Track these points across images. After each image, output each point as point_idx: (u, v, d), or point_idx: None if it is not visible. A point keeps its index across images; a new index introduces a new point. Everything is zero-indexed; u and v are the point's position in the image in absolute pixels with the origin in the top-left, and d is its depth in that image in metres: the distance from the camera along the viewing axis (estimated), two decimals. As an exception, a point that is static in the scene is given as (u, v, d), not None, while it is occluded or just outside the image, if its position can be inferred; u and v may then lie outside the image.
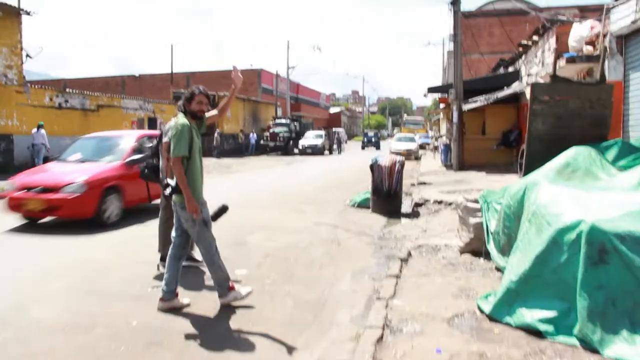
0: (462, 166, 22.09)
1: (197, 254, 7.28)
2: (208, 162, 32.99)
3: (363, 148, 56.84)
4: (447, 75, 49.18)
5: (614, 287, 4.08)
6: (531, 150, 8.35)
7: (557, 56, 9.34)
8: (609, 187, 5.26)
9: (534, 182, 5.35)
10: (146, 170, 7.48)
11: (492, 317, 4.81)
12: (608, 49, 11.85)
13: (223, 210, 7.00)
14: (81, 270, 7.32)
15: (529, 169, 8.40)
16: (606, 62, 11.87)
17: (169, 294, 5.66)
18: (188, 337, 4.98)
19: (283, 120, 47.73)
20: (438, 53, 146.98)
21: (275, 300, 6.08)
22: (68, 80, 61.66)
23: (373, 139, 58.95)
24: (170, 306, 5.65)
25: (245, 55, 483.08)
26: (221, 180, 21.73)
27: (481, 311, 5.00)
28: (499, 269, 6.44)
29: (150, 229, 10.10)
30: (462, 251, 7.58)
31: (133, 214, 11.35)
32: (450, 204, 12.47)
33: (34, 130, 22.64)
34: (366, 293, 6.23)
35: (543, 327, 4.41)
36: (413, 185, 18.35)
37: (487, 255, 7.12)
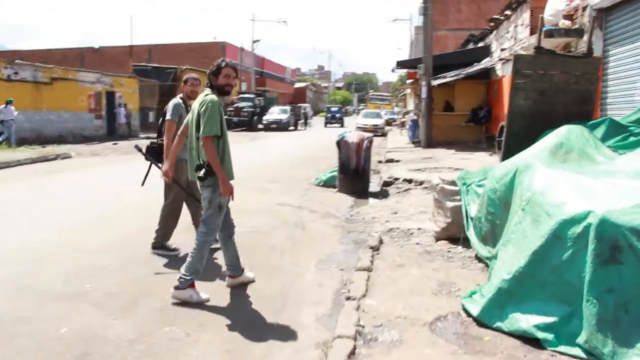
0: (431, 143, 21.54)
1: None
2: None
3: (326, 125, 52.11)
4: (415, 51, 48.58)
5: (627, 290, 3.46)
6: (512, 127, 7.74)
7: (542, 24, 8.70)
8: (612, 172, 4.63)
9: (527, 165, 4.70)
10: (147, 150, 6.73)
11: (481, 322, 4.15)
12: (588, 23, 11.28)
13: None
14: (18, 261, 6.45)
15: (509, 147, 7.80)
16: (586, 36, 11.30)
17: (236, 270, 5.54)
18: (123, 346, 4.20)
19: (247, 95, 46.65)
20: (405, 29, 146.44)
21: (233, 295, 5.36)
22: (24, 53, 59.09)
23: (337, 115, 54.05)
24: (239, 281, 5.54)
25: (209, 28, 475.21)
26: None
27: (467, 313, 4.34)
28: (480, 259, 5.82)
29: (95, 214, 9.29)
30: (438, 237, 6.94)
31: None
32: (420, 183, 11.87)
33: (2, 106, 22.30)
34: (333, 287, 5.54)
35: (542, 335, 3.77)
36: (380, 162, 17.75)
37: (465, 242, 6.51)
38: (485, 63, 21.52)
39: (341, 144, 11.96)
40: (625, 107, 10.08)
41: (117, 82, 32.64)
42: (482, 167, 7.26)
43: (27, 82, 25.50)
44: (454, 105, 23.85)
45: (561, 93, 7.59)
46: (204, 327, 4.53)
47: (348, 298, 4.84)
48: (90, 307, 5.01)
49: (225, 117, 20.40)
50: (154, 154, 6.60)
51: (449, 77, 21.11)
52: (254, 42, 57.74)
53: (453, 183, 6.83)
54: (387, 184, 12.40)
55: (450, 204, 6.67)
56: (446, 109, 24.04)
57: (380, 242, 6.86)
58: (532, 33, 15.46)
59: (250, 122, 43.09)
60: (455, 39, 36.29)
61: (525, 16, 16.79)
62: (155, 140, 6.77)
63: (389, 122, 43.91)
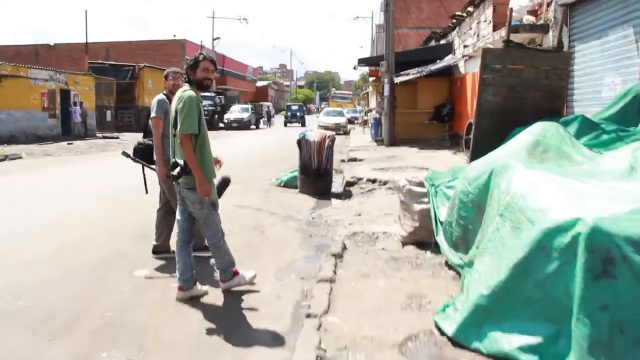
0: (394, 141, 21.21)
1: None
2: (125, 138, 31.05)
3: (286, 124, 48.92)
4: (376, 49, 48.45)
5: (622, 308, 3.05)
6: (480, 124, 7.37)
7: (510, 17, 8.33)
8: (596, 173, 4.25)
9: (504, 165, 4.28)
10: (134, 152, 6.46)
11: (456, 341, 3.71)
12: (553, 18, 11.04)
13: (225, 184, 6.62)
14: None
15: (477, 146, 7.44)
16: (551, 31, 11.06)
17: (187, 283, 5.10)
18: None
19: (207, 93, 45.71)
20: (366, 28, 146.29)
21: (180, 312, 4.84)
22: (-27, 49, 57.09)
23: (297, 114, 50.87)
24: (190, 295, 5.11)
25: (168, 26, 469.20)
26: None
27: (441, 332, 3.89)
28: (451, 266, 5.41)
29: (37, 220, 8.63)
30: (405, 242, 6.52)
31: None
32: (384, 183, 11.47)
33: None
34: (293, 299, 5.07)
35: (525, 358, 3.35)
36: (343, 161, 17.33)
37: (435, 248, 6.10)
38: (448, 60, 21.28)
39: (302, 143, 11.48)
40: (593, 103, 9.84)
41: (71, 79, 31.57)
42: (450, 167, 6.87)
43: (-28, 79, 24.39)
44: (416, 101, 23.55)
45: (531, 88, 7.25)
46: (146, 352, 4.00)
47: (308, 315, 4.33)
48: (21, 328, 4.45)
49: None
50: (143, 155, 6.37)
51: (411, 74, 20.80)
52: (214, 39, 56.80)
53: (420, 184, 6.41)
54: (350, 184, 11.97)
55: (417, 207, 6.25)
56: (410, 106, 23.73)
57: (344, 247, 6.39)
58: (495, 29, 15.24)
59: (210, 121, 42.22)
60: (416, 37, 36.11)
61: (488, 12, 16.55)
62: (142, 141, 6.37)
63: (351, 121, 43.62)
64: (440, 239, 5.69)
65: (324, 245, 7.08)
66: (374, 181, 11.71)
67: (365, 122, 36.16)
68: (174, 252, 5.89)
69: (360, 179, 12.01)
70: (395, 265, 5.76)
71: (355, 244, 7.02)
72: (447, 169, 13.48)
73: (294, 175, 12.13)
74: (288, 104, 62.18)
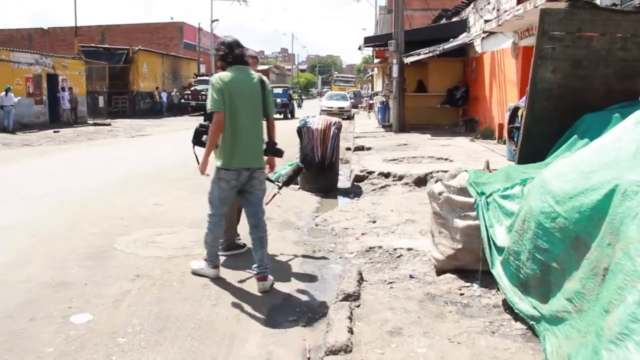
0: (403, 127, 19.49)
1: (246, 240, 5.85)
2: (118, 125, 29.41)
3: None
4: (381, 30, 46.50)
5: None
6: (534, 110, 5.66)
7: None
8: None
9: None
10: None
11: None
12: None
13: (298, 171, 7.02)
14: None
15: (529, 137, 5.77)
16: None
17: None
18: None
19: (206, 77, 43.83)
20: (369, 10, 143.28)
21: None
22: (-37, 33, 55.35)
23: (278, 102, 34.36)
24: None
25: (166, 7, 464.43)
26: (122, 147, 18.39)
27: None
28: (514, 310, 3.74)
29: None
30: (442, 268, 4.85)
31: None
32: (400, 177, 9.78)
33: (2, 94, 23.32)
34: (291, 368, 3.43)
35: None
36: (349, 149, 15.65)
37: (482, 277, 4.46)
38: (463, 38, 19.48)
39: (303, 131, 9.80)
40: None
41: (59, 63, 29.72)
42: (503, 167, 5.19)
43: (-51, 62, 22.64)
44: (427, 84, 21.77)
45: (601, 63, 5.54)
46: None
47: None
48: None
49: (183, 100, 17.56)
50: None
51: (422, 53, 19.01)
52: (213, 21, 54.74)
53: (463, 191, 4.72)
54: (359, 178, 10.27)
55: (461, 224, 4.57)
56: (419, 90, 21.95)
57: (360, 280, 4.69)
58: (518, 2, 13.44)
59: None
60: (421, 19, 34.16)
61: (510, -17, 14.76)
62: (205, 123, 5.38)
63: (355, 105, 41.81)
64: (498, 271, 4.01)
65: (331, 270, 5.45)
66: (387, 175, 10.00)
67: (370, 106, 34.41)
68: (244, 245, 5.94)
69: (371, 172, 10.30)
70: (435, 308, 4.08)
71: (373, 266, 5.37)
72: (470, 159, 11.90)
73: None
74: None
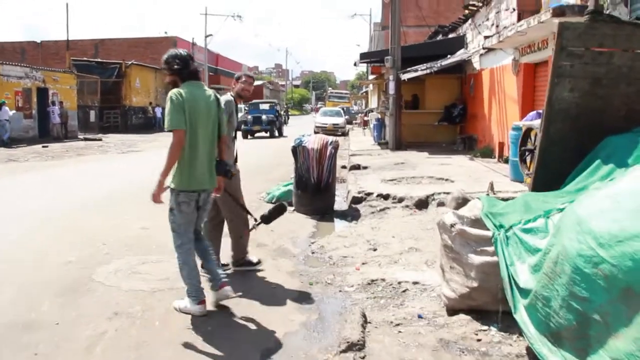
0: (400, 145, 19.03)
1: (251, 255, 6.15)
2: (109, 140, 28.92)
3: (245, 136, 29.94)
4: (376, 47, 46.36)
5: None
6: (550, 131, 5.20)
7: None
8: None
9: None
10: None
11: None
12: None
13: (280, 212, 6.46)
14: None
15: (545, 160, 5.30)
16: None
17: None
18: None
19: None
20: (363, 27, 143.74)
21: None
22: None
23: (266, 118, 31.04)
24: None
25: (161, 23, 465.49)
26: (111, 163, 17.87)
27: None
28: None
29: None
30: (453, 307, 4.37)
31: None
32: (400, 200, 9.29)
33: None
34: None
35: None
36: (344, 167, 15.16)
37: (501, 319, 3.99)
38: (460, 55, 19.12)
39: (298, 151, 9.32)
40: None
41: (49, 77, 29.30)
42: (521, 196, 4.71)
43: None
44: (423, 101, 21.37)
45: (623, 81, 5.10)
46: None
47: None
48: None
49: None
50: None
51: (420, 70, 18.62)
52: (207, 36, 54.52)
53: (478, 222, 4.25)
54: (357, 200, 9.77)
55: (477, 260, 4.09)
56: (413, 106, 21.53)
57: (364, 323, 4.19)
58: (519, 19, 13.08)
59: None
60: (415, 36, 33.96)
61: (511, -1, 14.43)
62: None
63: (349, 121, 41.43)
64: (522, 317, 3.53)
65: (330, 306, 4.96)
66: (386, 197, 9.51)
67: (365, 123, 34.02)
68: (258, 262, 6.08)
69: (369, 193, 9.79)
70: (450, 359, 3.60)
71: (377, 303, 4.88)
72: (471, 179, 11.42)
73: (289, 190, 10.00)
74: (252, 103, 33.55)
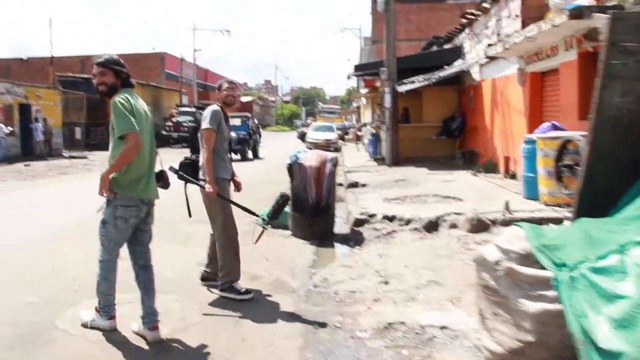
0: (397, 160, 18.20)
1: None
2: (94, 157, 27.95)
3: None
4: (366, 60, 45.80)
5: None
6: (598, 143, 4.39)
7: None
8: None
9: None
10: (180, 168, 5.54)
11: None
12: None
13: (285, 202, 6.28)
14: None
15: (592, 179, 4.46)
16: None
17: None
18: None
19: (188, 109, 42.50)
20: (353, 42, 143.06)
21: None
22: None
23: (234, 136, 19.53)
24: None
25: (148, 38, 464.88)
26: (95, 183, 16.86)
27: None
28: None
29: None
30: (498, 364, 3.50)
31: None
32: (407, 222, 8.42)
33: None
34: None
35: None
36: (341, 185, 14.26)
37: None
38: (459, 65, 18.39)
39: (294, 169, 8.47)
40: None
41: (32, 93, 28.32)
42: (575, 224, 3.84)
43: None
44: (420, 114, 20.58)
45: (684, 84, 4.32)
46: None
47: None
48: None
49: (164, 132, 17.05)
50: (190, 172, 5.56)
51: (417, 82, 17.85)
52: (195, 51, 53.85)
53: (528, 258, 3.39)
54: (359, 222, 8.87)
55: (532, 307, 3.23)
56: (405, 120, 20.61)
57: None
58: (524, 25, 12.34)
59: (192, 138, 38.86)
60: (406, 50, 33.40)
61: (513, 5, 13.71)
62: (189, 156, 5.72)
63: (341, 136, 40.60)
64: (604, 389, 2.66)
65: (342, 359, 4.08)
66: (391, 219, 8.62)
67: (358, 138, 33.24)
68: (246, 292, 5.49)
69: (372, 215, 8.90)
70: None
71: (398, 354, 4.03)
72: (481, 198, 10.51)
73: (285, 211, 9.11)
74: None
